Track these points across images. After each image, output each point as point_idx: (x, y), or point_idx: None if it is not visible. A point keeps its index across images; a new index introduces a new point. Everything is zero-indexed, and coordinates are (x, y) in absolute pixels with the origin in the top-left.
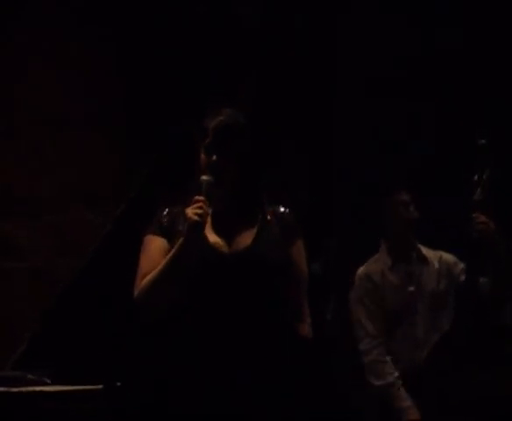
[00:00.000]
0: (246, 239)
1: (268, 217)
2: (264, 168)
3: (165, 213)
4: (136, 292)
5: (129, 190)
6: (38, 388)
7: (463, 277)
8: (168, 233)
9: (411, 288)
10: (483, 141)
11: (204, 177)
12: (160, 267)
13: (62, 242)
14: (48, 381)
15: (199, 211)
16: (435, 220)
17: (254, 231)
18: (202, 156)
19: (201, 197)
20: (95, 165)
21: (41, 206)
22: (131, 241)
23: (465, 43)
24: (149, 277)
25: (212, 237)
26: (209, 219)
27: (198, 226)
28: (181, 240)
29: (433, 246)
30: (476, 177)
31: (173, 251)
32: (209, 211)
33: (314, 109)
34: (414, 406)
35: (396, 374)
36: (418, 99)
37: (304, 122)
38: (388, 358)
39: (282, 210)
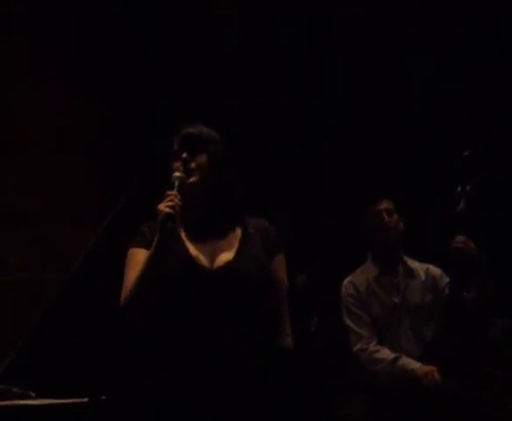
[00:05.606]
0: (228, 253)
1: (250, 231)
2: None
3: (147, 227)
4: (122, 299)
5: (114, 204)
6: (22, 402)
7: (447, 291)
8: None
9: (395, 300)
10: (467, 152)
11: (176, 174)
12: (140, 268)
13: (48, 256)
14: (33, 395)
15: (170, 203)
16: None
17: (236, 244)
18: (174, 162)
19: (172, 192)
20: (80, 181)
21: (27, 220)
22: (115, 255)
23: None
24: (132, 282)
25: (193, 251)
26: (184, 233)
27: (170, 218)
28: (156, 237)
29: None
30: (460, 188)
31: (150, 250)
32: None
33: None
34: (423, 365)
35: (396, 354)
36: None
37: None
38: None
39: (263, 223)
